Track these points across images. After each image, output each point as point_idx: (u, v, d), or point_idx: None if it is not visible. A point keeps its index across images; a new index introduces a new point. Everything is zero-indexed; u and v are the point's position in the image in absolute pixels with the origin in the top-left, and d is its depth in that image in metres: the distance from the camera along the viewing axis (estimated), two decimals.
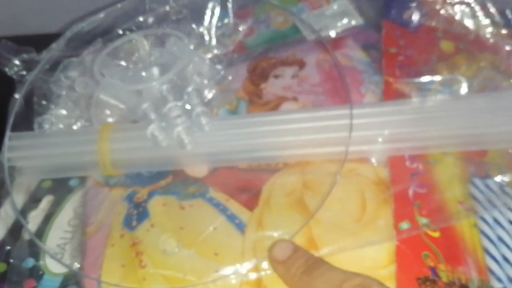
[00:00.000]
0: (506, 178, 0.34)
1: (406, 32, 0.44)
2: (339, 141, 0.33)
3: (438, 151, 0.34)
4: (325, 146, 0.34)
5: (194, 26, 0.39)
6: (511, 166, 0.34)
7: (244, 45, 0.45)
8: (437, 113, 0.34)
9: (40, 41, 0.39)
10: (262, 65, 0.43)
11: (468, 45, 0.43)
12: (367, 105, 0.37)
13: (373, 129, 0.34)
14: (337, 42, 0.44)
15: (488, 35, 0.43)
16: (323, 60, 0.43)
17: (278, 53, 0.44)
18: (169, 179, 0.35)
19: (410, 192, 0.33)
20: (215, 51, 0.39)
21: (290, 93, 0.40)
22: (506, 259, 0.30)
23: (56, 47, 0.38)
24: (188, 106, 0.35)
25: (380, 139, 0.34)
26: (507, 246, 0.31)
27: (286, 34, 0.46)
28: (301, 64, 0.42)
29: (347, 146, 0.33)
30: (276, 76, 0.42)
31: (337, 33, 0.45)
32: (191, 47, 0.37)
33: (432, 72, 0.41)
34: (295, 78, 0.41)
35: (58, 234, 0.33)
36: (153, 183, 0.35)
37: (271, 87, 0.41)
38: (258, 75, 0.42)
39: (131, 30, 0.39)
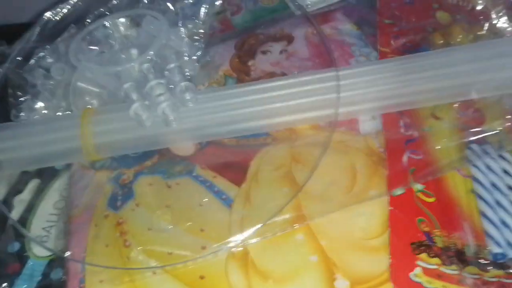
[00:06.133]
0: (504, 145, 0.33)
1: (401, 3, 0.43)
2: (328, 104, 0.32)
3: (427, 104, 0.34)
4: (314, 110, 0.33)
5: (169, 4, 0.38)
6: (508, 132, 0.33)
7: (231, 23, 0.44)
8: (422, 67, 0.33)
9: (11, 31, 0.38)
10: (249, 42, 0.42)
11: (465, 15, 0.42)
12: (352, 66, 0.36)
13: (361, 89, 0.33)
14: (326, 16, 0.43)
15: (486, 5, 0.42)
16: (312, 34, 0.42)
17: (266, 29, 0.43)
18: (155, 159, 0.34)
19: (405, 158, 0.32)
20: (191, 27, 0.38)
21: (278, 68, 0.39)
22: (505, 224, 0.29)
23: (28, 37, 0.37)
24: (170, 83, 0.34)
25: (368, 98, 0.33)
26: (506, 210, 0.30)
27: (274, 9, 0.45)
28: (290, 39, 0.41)
29: (336, 108, 0.32)
30: (264, 52, 0.41)
31: (327, 7, 0.44)
32: (167, 25, 0.36)
33: (428, 42, 0.40)
34: (283, 53, 0.40)
35: (44, 217, 0.33)
36: (139, 164, 0.34)
37: (259, 63, 0.40)
38: (246, 52, 0.41)
39: (104, 15, 0.38)
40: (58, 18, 0.38)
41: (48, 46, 0.37)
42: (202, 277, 0.28)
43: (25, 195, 0.34)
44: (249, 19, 0.44)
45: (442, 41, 0.40)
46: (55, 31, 0.38)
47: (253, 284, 0.27)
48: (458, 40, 0.39)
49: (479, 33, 0.40)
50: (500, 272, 0.28)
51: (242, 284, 0.27)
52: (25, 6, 0.46)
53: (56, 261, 0.30)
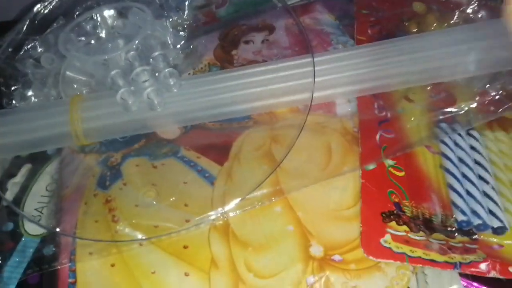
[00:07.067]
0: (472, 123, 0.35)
1: None
2: (305, 88, 0.34)
3: (399, 87, 0.36)
4: (292, 94, 0.35)
5: None
6: (478, 114, 0.35)
7: (215, 15, 0.46)
8: (394, 52, 0.35)
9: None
10: (233, 32, 0.44)
11: (440, 5, 0.43)
12: (328, 52, 0.38)
13: (336, 73, 0.35)
14: (306, 7, 0.45)
15: None
16: (292, 24, 0.44)
17: (249, 20, 0.45)
18: (142, 142, 0.36)
19: (377, 136, 0.34)
20: (175, 18, 0.40)
21: (260, 57, 0.41)
22: (470, 194, 0.31)
23: (18, 29, 0.39)
24: (155, 70, 0.35)
25: (343, 82, 0.35)
26: (471, 182, 0.31)
27: (257, 2, 0.47)
28: (271, 29, 0.43)
29: (312, 92, 0.33)
30: (247, 42, 0.43)
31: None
32: (152, 16, 0.37)
33: (403, 30, 0.42)
34: (265, 42, 0.42)
35: (36, 199, 0.34)
36: (127, 147, 0.36)
37: (242, 53, 0.42)
38: (229, 42, 0.43)
39: (92, 7, 0.39)
40: (46, 11, 0.40)
41: (38, 37, 0.38)
42: (185, 247, 0.29)
43: (18, 179, 0.35)
44: (232, 11, 0.46)
45: (416, 29, 0.42)
46: (44, 23, 0.39)
47: (234, 252, 0.29)
48: (432, 28, 0.41)
49: (451, 21, 0.41)
50: (465, 238, 0.29)
51: (223, 252, 0.29)
52: (12, 4, 0.47)
53: (48, 238, 0.32)
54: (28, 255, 0.31)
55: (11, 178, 0.35)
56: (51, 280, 0.29)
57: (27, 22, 0.39)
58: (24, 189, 0.35)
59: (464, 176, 0.32)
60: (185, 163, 0.34)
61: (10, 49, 0.38)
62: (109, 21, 0.39)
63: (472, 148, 0.34)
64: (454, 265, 0.28)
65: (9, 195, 0.34)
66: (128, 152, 0.35)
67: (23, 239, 0.32)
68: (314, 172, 0.32)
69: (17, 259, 0.30)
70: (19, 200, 0.34)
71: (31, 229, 0.32)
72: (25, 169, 0.36)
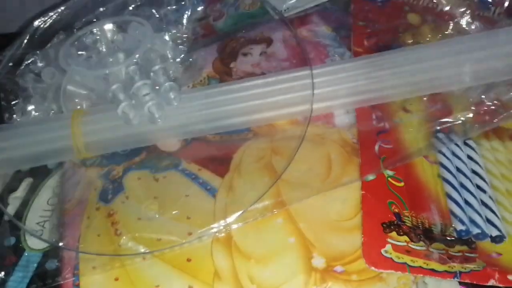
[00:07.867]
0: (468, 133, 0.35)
1: (374, 7, 0.46)
2: (304, 100, 0.35)
3: (396, 98, 0.36)
4: (291, 106, 0.35)
5: (153, 10, 0.40)
6: (474, 124, 0.35)
7: (213, 28, 0.47)
8: (391, 63, 0.36)
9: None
10: (231, 45, 0.44)
11: (435, 16, 0.44)
12: (326, 65, 0.38)
13: (334, 85, 0.35)
14: (302, 19, 0.46)
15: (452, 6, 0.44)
16: (290, 36, 0.44)
17: (247, 33, 0.45)
18: (143, 155, 0.36)
19: (376, 147, 0.34)
20: (175, 32, 0.40)
21: (258, 69, 0.41)
22: (468, 203, 0.31)
23: (18, 44, 0.39)
24: (156, 84, 0.36)
25: (341, 93, 0.35)
26: (469, 191, 0.32)
27: (255, 15, 0.47)
28: (269, 42, 0.44)
29: (311, 104, 0.34)
30: (245, 54, 0.43)
31: (304, 11, 0.47)
32: (152, 30, 0.38)
33: (398, 42, 0.43)
34: (263, 55, 0.43)
35: (38, 213, 0.34)
36: (128, 160, 0.36)
37: (241, 65, 0.42)
38: (228, 55, 0.43)
39: (92, 22, 0.40)
40: (46, 26, 0.40)
41: (38, 52, 0.39)
42: (189, 260, 0.29)
43: (19, 193, 0.36)
44: (230, 23, 0.47)
45: (411, 41, 0.43)
46: (44, 38, 0.40)
47: (236, 264, 0.29)
48: (427, 39, 0.42)
49: (446, 32, 0.42)
50: (464, 247, 0.30)
51: (226, 264, 0.29)
52: (13, 16, 0.47)
53: (51, 252, 0.32)
54: (31, 270, 0.31)
55: (12, 193, 0.36)
56: None
57: (27, 37, 0.39)
58: (25, 203, 0.35)
59: (462, 185, 0.32)
60: (186, 176, 0.34)
61: (10, 64, 0.39)
62: (109, 35, 0.39)
63: (469, 157, 0.34)
64: (454, 274, 0.28)
65: (11, 210, 0.34)
66: (130, 165, 0.36)
67: (25, 253, 0.32)
68: (315, 183, 0.32)
69: (20, 274, 0.30)
70: (20, 214, 0.34)
71: (34, 243, 0.33)
72: (26, 183, 0.36)
